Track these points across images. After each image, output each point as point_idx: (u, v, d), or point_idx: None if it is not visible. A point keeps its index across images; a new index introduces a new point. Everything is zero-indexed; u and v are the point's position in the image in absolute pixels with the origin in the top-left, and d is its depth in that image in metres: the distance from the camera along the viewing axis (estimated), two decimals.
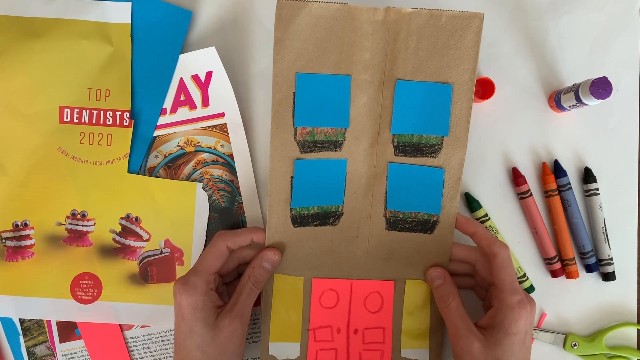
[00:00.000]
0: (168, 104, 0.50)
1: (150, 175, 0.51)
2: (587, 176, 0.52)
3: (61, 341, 0.51)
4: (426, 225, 0.47)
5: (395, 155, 0.46)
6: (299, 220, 0.47)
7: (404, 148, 0.46)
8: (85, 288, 0.50)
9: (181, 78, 0.50)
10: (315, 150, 0.45)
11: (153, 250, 0.51)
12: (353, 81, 0.44)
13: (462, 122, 0.45)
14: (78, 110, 0.50)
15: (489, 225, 0.51)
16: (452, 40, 0.44)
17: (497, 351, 0.42)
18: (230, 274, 0.48)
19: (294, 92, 0.44)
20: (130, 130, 0.50)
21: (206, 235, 0.51)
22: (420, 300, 0.49)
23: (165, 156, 0.51)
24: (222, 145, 0.51)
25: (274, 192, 0.46)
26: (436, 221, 0.47)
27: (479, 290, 0.49)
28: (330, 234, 0.48)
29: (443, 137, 0.46)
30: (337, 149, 0.46)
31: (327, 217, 0.47)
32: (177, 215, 0.51)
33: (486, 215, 0.51)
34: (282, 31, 0.43)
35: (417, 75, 0.45)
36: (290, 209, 0.46)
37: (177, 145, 0.51)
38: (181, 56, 0.50)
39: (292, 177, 0.46)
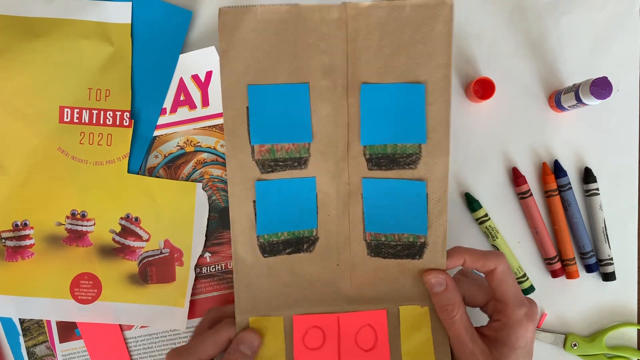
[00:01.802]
0: (168, 103, 0.50)
1: (150, 175, 0.51)
2: (587, 176, 0.52)
3: (61, 341, 0.51)
4: (413, 250, 0.41)
5: (369, 169, 0.41)
6: (268, 249, 0.42)
7: (378, 161, 0.41)
8: (85, 288, 0.50)
9: (181, 78, 0.50)
10: (277, 169, 0.41)
11: (153, 250, 0.51)
12: (312, 89, 0.39)
13: (441, 126, 0.40)
14: (78, 110, 0.50)
15: (489, 225, 0.51)
16: (419, 33, 0.38)
17: None
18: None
19: (247, 107, 0.40)
20: (130, 130, 0.50)
21: (206, 236, 0.51)
22: (419, 328, 0.42)
23: (165, 156, 0.51)
24: (222, 145, 0.51)
25: (236, 220, 0.41)
26: (424, 243, 0.41)
27: (477, 297, 0.46)
28: (307, 264, 0.42)
29: (421, 144, 0.40)
30: (302, 167, 0.41)
31: (300, 244, 0.42)
32: (177, 215, 0.50)
33: (486, 215, 0.51)
34: (226, 41, 0.38)
35: (384, 76, 0.39)
36: (257, 236, 0.41)
37: (177, 145, 0.51)
38: (181, 56, 0.50)
39: (254, 201, 0.41)
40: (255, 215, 0.41)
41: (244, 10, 0.38)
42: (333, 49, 0.39)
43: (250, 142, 0.40)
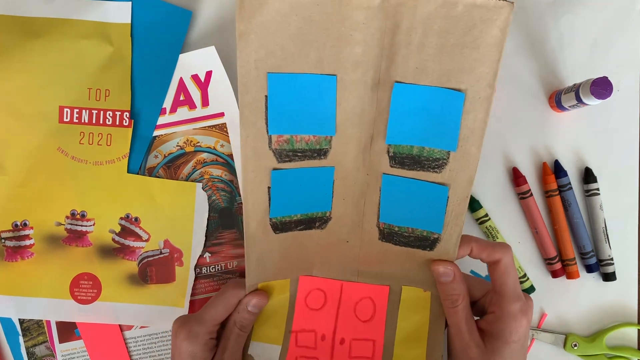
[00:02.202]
0: (168, 103, 0.50)
1: (150, 175, 0.51)
2: (588, 176, 0.51)
3: (61, 341, 0.51)
4: (425, 242, 0.41)
5: (391, 166, 0.39)
6: (280, 227, 0.41)
7: (401, 160, 0.39)
8: (85, 288, 0.50)
9: (181, 78, 0.50)
10: (295, 159, 0.39)
11: (152, 250, 0.51)
12: (339, 82, 0.36)
13: (475, 136, 0.37)
14: (78, 110, 0.50)
15: (489, 225, 0.51)
16: (469, 36, 0.34)
17: (494, 357, 0.40)
18: None
19: (266, 96, 0.37)
20: (130, 130, 0.50)
21: (205, 236, 0.51)
22: (417, 311, 0.43)
23: (165, 156, 0.51)
24: (222, 145, 0.51)
25: (249, 203, 0.40)
26: (437, 239, 0.41)
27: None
28: (317, 237, 0.42)
29: (450, 151, 0.38)
30: (322, 157, 0.39)
31: (312, 222, 0.42)
32: (177, 215, 0.50)
33: (486, 215, 0.51)
34: (246, 23, 0.34)
35: (420, 77, 0.36)
36: (270, 218, 0.41)
37: (177, 145, 0.51)
38: (181, 56, 0.50)
39: (269, 188, 0.39)
40: (270, 200, 0.40)
41: None
42: (368, 40, 0.35)
43: (267, 131, 0.37)
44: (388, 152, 0.39)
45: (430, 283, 0.42)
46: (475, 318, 0.43)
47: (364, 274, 0.43)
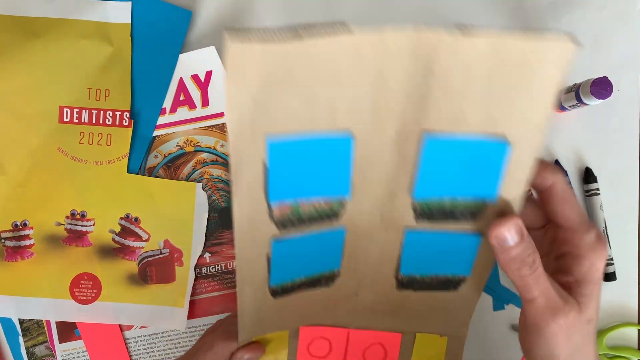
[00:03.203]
0: (168, 103, 0.50)
1: (150, 175, 0.51)
2: (588, 176, 0.51)
3: (61, 341, 0.51)
4: (449, 284, 0.36)
5: (417, 221, 0.32)
6: (280, 292, 0.35)
7: (430, 214, 0.32)
8: (85, 288, 0.50)
9: (181, 78, 0.50)
10: (301, 226, 0.31)
11: (152, 250, 0.51)
12: (358, 141, 0.29)
13: (519, 184, 0.30)
14: (78, 110, 0.50)
15: None
16: (520, 81, 0.27)
17: (589, 312, 0.32)
18: None
19: (265, 162, 0.28)
20: (130, 130, 0.50)
21: (205, 236, 0.51)
22: (433, 355, 0.39)
23: (165, 156, 0.51)
24: (222, 145, 0.51)
25: (244, 272, 0.33)
26: (463, 279, 0.35)
27: None
28: (320, 293, 0.36)
29: (487, 201, 0.31)
30: (333, 219, 0.32)
31: (317, 281, 0.36)
32: (177, 215, 0.50)
33: None
34: (235, 78, 0.25)
35: (455, 126, 0.28)
36: (269, 286, 0.34)
37: (177, 145, 0.51)
38: (181, 56, 0.50)
39: (268, 257, 0.33)
40: (269, 270, 0.33)
41: (266, 49, 0.24)
42: (394, 89, 0.27)
43: (267, 199, 0.30)
44: (414, 207, 0.32)
45: (447, 328, 0.39)
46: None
47: (374, 322, 0.39)
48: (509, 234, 0.30)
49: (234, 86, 0.25)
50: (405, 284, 0.36)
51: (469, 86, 0.27)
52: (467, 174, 0.30)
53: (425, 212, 0.32)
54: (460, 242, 0.33)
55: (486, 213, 0.32)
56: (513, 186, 0.30)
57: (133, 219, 0.50)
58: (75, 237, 0.50)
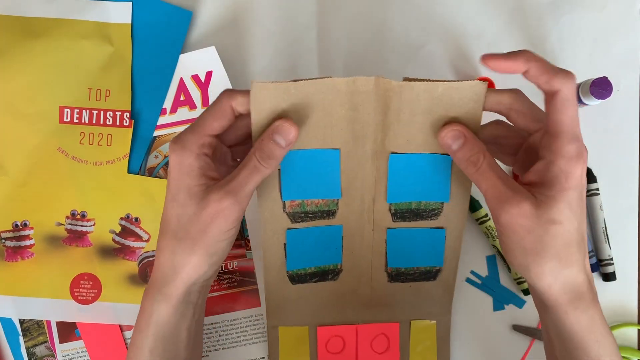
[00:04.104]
0: (168, 104, 0.50)
1: (150, 175, 0.51)
2: (588, 176, 0.51)
3: (61, 342, 0.51)
4: (429, 275, 0.47)
5: (394, 221, 0.44)
6: (297, 279, 0.47)
7: (402, 214, 0.44)
8: (85, 288, 0.50)
9: (181, 78, 0.50)
10: (307, 220, 0.43)
11: (152, 250, 0.51)
12: (343, 154, 0.40)
13: (464, 189, 0.42)
14: (78, 110, 0.50)
15: (489, 226, 0.51)
16: (450, 112, 0.38)
17: (552, 212, 0.33)
18: (241, 147, 0.41)
19: (279, 169, 0.41)
20: (130, 130, 0.50)
21: None
22: (425, 338, 0.50)
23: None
24: None
25: (267, 257, 0.44)
26: (439, 270, 0.47)
27: (504, 156, 0.41)
28: (330, 287, 0.48)
29: (443, 202, 0.43)
30: (331, 217, 0.44)
31: (325, 274, 0.47)
32: None
33: (486, 215, 0.51)
34: (258, 113, 0.37)
35: (410, 147, 0.40)
36: (287, 271, 0.46)
37: None
38: (181, 56, 0.50)
39: (284, 245, 0.44)
40: (286, 255, 0.45)
41: (276, 86, 0.36)
42: (365, 118, 0.39)
43: (281, 198, 0.42)
44: (390, 209, 0.43)
45: (435, 314, 0.50)
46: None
47: (376, 315, 0.49)
48: (450, 140, 0.37)
49: (256, 114, 0.37)
50: (394, 277, 0.47)
51: (414, 118, 0.39)
52: (425, 181, 0.42)
53: (398, 213, 0.44)
54: (430, 237, 0.45)
55: (444, 211, 0.43)
56: (459, 187, 0.42)
57: (133, 219, 0.50)
58: (76, 237, 0.50)
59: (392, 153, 0.40)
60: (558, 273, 0.34)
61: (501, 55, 0.35)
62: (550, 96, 0.34)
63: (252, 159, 0.37)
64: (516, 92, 0.37)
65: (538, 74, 0.34)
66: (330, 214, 0.44)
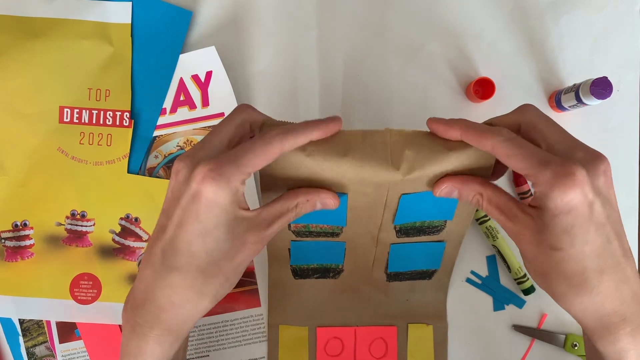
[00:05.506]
0: (168, 104, 0.50)
1: (150, 175, 0.51)
2: None
3: (61, 342, 0.51)
4: (425, 274, 0.49)
5: (398, 237, 0.45)
6: (299, 273, 0.48)
7: (407, 231, 0.44)
8: (85, 288, 0.50)
9: (181, 78, 0.50)
10: (311, 236, 0.45)
11: None
12: (351, 194, 0.39)
13: (469, 207, 0.43)
14: (78, 110, 0.50)
15: (489, 226, 0.51)
16: (458, 167, 0.38)
17: (549, 238, 0.32)
18: None
19: None
20: (130, 130, 0.50)
21: None
22: (423, 342, 0.51)
23: (165, 156, 0.51)
24: None
25: (272, 254, 0.47)
26: (435, 271, 0.49)
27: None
28: (331, 285, 0.49)
29: (447, 220, 0.44)
30: (335, 237, 0.45)
31: (327, 272, 0.48)
32: None
33: (486, 215, 0.51)
34: (267, 181, 0.37)
35: (420, 187, 0.39)
36: (290, 265, 0.47)
37: (177, 146, 0.51)
38: (181, 56, 0.50)
39: (289, 249, 0.46)
40: (290, 255, 0.47)
41: (316, 163, 0.36)
42: (373, 193, 0.39)
43: (288, 226, 0.43)
44: (395, 227, 0.44)
45: (431, 317, 0.50)
46: None
47: (373, 317, 0.50)
48: (446, 196, 0.38)
49: (266, 183, 0.38)
50: (393, 277, 0.49)
51: (424, 173, 0.37)
52: (433, 209, 0.42)
53: (403, 230, 0.44)
54: (430, 248, 0.46)
55: (447, 227, 0.44)
56: (462, 209, 0.42)
57: (133, 219, 0.50)
58: (76, 237, 0.50)
59: (404, 194, 0.39)
60: (573, 300, 0.33)
61: (442, 121, 0.36)
62: (492, 153, 0.35)
63: (292, 213, 0.36)
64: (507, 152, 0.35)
65: (472, 140, 0.35)
66: (334, 235, 0.44)
